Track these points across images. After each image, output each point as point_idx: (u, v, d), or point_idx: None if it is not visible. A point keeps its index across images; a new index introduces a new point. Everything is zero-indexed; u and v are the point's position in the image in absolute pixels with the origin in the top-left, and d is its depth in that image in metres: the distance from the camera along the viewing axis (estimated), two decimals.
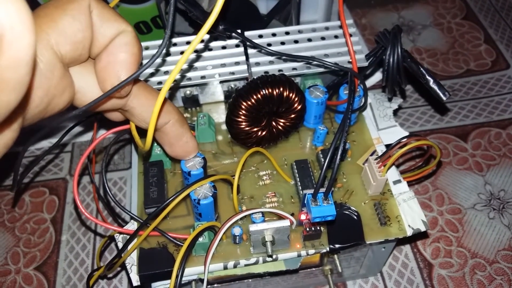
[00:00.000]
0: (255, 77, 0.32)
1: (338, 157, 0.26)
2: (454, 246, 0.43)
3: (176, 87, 0.35)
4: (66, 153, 0.51)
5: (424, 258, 0.42)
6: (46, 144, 0.50)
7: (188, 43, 0.36)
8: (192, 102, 0.38)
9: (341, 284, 0.41)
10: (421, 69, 0.32)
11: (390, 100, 0.36)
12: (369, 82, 0.39)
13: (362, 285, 0.41)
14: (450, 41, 0.60)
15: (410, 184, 0.46)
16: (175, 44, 0.36)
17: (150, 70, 0.34)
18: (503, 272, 0.41)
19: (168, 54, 0.35)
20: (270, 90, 0.30)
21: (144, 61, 0.35)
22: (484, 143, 0.50)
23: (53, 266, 0.43)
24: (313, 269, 0.37)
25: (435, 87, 0.31)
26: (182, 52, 0.35)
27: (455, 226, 0.44)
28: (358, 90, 0.33)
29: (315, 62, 0.33)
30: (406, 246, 0.43)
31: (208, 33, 0.36)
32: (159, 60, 0.34)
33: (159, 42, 0.36)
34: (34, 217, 0.46)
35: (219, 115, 0.38)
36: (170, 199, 0.29)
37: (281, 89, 0.31)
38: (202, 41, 0.36)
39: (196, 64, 0.35)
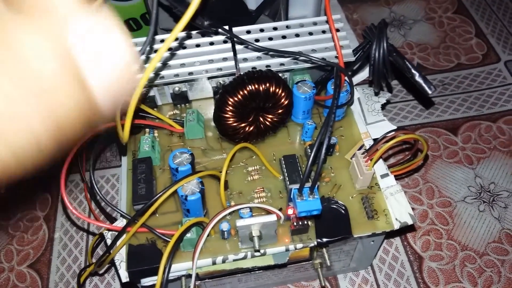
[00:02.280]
0: (242, 73, 0.32)
1: (323, 152, 0.26)
2: (444, 239, 0.43)
3: (164, 83, 0.35)
4: None
5: (414, 251, 0.43)
6: None
7: (176, 39, 0.36)
8: (181, 99, 0.38)
9: (332, 277, 0.42)
10: (407, 63, 0.32)
11: (377, 94, 0.36)
12: (359, 77, 0.39)
13: (353, 278, 0.42)
14: (441, 35, 0.60)
15: (399, 177, 0.46)
16: (162, 41, 0.36)
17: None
18: (493, 264, 0.42)
19: (156, 50, 0.35)
20: (256, 86, 0.31)
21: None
22: (474, 137, 0.50)
23: (46, 264, 0.43)
24: (303, 263, 0.37)
25: (421, 81, 0.31)
26: (170, 49, 0.35)
27: (445, 219, 0.45)
28: (345, 85, 0.33)
29: (301, 58, 0.33)
30: (396, 239, 0.44)
31: (193, 29, 0.36)
32: (152, 57, 0.34)
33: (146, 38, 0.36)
34: (27, 215, 0.47)
35: (209, 111, 0.38)
36: (157, 195, 0.29)
37: (268, 84, 0.31)
38: (190, 37, 0.36)
39: (184, 61, 0.35)
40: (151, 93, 0.37)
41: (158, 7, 0.22)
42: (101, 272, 0.42)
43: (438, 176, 0.48)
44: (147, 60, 0.33)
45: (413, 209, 0.45)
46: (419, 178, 0.47)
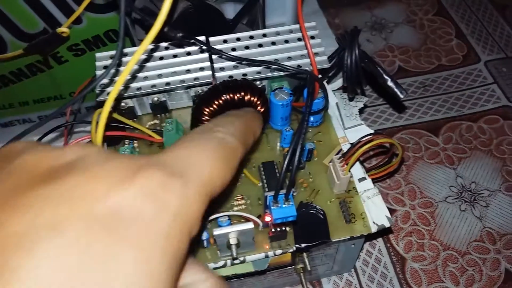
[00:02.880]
0: (217, 83, 0.32)
1: (296, 159, 0.27)
2: (426, 239, 0.44)
3: (142, 94, 0.36)
4: None
5: (397, 253, 0.43)
6: None
7: (153, 50, 0.36)
8: (161, 108, 0.38)
9: (316, 281, 0.42)
10: (378, 69, 0.32)
11: (351, 100, 0.36)
12: (337, 84, 0.39)
13: (337, 282, 0.42)
14: (422, 38, 0.61)
15: (378, 180, 0.47)
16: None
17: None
18: (474, 263, 0.42)
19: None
20: (231, 95, 0.31)
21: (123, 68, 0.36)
22: (455, 137, 0.51)
23: None
24: (286, 268, 0.38)
25: (393, 86, 0.32)
26: (146, 61, 0.36)
27: (427, 220, 0.45)
28: (320, 91, 0.34)
29: (274, 66, 0.33)
30: (379, 241, 0.44)
31: (165, 41, 0.36)
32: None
33: (125, 50, 0.37)
34: None
35: (189, 119, 0.38)
36: None
37: (242, 93, 0.31)
38: (167, 48, 0.37)
39: (161, 71, 0.35)
40: (130, 104, 0.37)
41: (125, 23, 0.22)
42: None
43: (419, 177, 0.48)
44: (116, 73, 0.33)
45: (395, 210, 0.46)
46: (401, 179, 0.48)
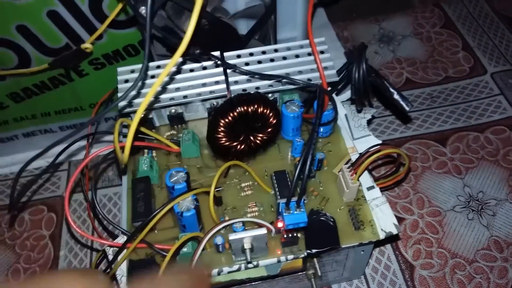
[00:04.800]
0: (232, 96, 0.34)
1: (307, 168, 0.28)
2: (434, 247, 0.45)
3: (161, 107, 0.38)
4: (63, 172, 0.54)
5: (405, 260, 0.44)
6: (43, 163, 0.53)
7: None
8: (177, 120, 0.40)
9: (326, 287, 0.43)
10: (385, 82, 0.34)
11: (359, 112, 0.38)
12: (346, 95, 0.41)
13: None
14: (429, 50, 0.63)
15: (387, 189, 0.48)
16: (158, 67, 0.38)
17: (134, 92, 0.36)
18: (482, 271, 0.43)
19: (153, 76, 0.38)
20: (245, 108, 0.33)
21: (129, 84, 0.38)
22: (462, 147, 0.52)
23: None
24: (298, 273, 0.39)
25: (399, 99, 0.33)
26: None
27: (435, 228, 0.46)
28: (329, 103, 0.35)
29: (284, 80, 0.35)
30: (388, 249, 0.45)
31: (183, 56, 0.38)
32: (147, 83, 0.37)
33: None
34: (34, 234, 0.49)
35: (204, 130, 0.40)
36: (155, 213, 0.31)
37: (256, 106, 0.33)
38: (184, 63, 0.39)
39: (179, 85, 0.37)
40: (149, 116, 0.39)
41: (150, 44, 0.24)
42: None
43: (428, 187, 0.49)
44: (143, 86, 0.35)
45: (403, 219, 0.47)
46: (409, 188, 0.49)
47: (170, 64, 0.22)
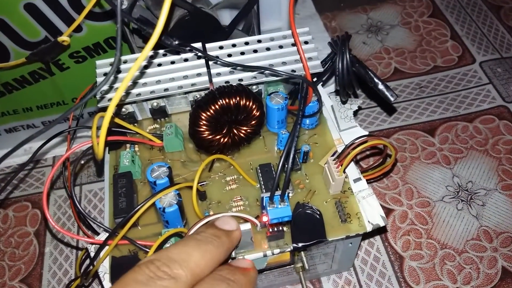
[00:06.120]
0: (213, 88, 0.33)
1: (290, 161, 0.28)
2: (424, 238, 0.45)
3: (141, 100, 0.37)
4: (47, 167, 0.53)
5: (395, 251, 0.44)
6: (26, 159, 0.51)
7: (152, 57, 0.37)
8: (160, 113, 0.39)
9: (316, 280, 0.43)
10: (369, 73, 0.33)
11: (344, 103, 0.37)
12: (333, 87, 0.40)
13: (336, 280, 0.43)
14: (417, 39, 0.62)
15: (375, 180, 0.48)
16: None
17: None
18: (471, 261, 0.43)
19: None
20: (227, 100, 0.32)
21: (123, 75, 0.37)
22: (451, 137, 0.52)
23: (38, 278, 0.44)
24: (286, 267, 0.39)
25: (383, 89, 0.33)
26: (146, 67, 0.37)
27: (424, 219, 0.46)
28: (313, 95, 0.35)
29: (267, 72, 0.34)
30: (377, 241, 0.45)
31: (163, 48, 0.37)
32: (123, 75, 0.36)
33: (124, 57, 0.38)
34: (18, 231, 0.48)
35: (188, 123, 0.40)
36: (136, 209, 0.30)
37: (238, 98, 0.32)
38: (165, 54, 0.38)
39: (160, 78, 0.36)
40: (131, 109, 0.38)
41: (122, 33, 0.23)
42: (87, 284, 0.43)
43: (416, 177, 0.49)
44: (115, 80, 0.34)
45: (392, 210, 0.47)
46: (398, 179, 0.49)
47: (142, 55, 0.21)
